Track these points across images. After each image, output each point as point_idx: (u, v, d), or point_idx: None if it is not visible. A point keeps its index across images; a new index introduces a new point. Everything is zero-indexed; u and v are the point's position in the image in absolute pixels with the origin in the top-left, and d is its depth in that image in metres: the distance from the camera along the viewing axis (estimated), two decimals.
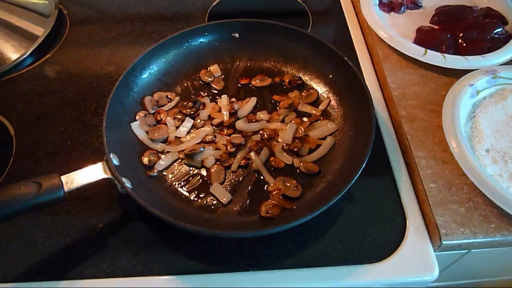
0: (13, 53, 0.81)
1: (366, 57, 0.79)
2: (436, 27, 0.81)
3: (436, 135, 0.65)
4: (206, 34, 0.74)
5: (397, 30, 0.80)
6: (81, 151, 0.66)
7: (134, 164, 0.62)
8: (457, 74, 0.71)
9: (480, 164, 0.60)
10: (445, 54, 0.72)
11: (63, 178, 0.53)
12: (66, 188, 0.52)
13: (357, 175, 0.55)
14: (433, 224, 0.57)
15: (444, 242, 0.55)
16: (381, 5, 0.84)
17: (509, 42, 0.74)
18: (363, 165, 0.56)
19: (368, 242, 0.57)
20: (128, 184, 0.55)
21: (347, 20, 0.86)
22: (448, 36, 0.77)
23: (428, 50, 0.73)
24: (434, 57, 0.72)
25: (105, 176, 0.54)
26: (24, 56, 0.80)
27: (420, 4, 0.85)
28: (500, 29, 0.77)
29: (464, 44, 0.76)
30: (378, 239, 0.57)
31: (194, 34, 0.73)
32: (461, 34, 0.77)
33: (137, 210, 0.59)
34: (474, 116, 0.67)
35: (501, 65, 0.72)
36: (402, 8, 0.84)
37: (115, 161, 0.57)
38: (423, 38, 0.77)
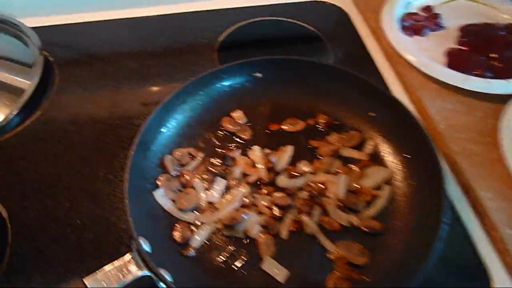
0: None
1: (397, 87, 0.72)
2: (465, 48, 0.75)
3: (497, 170, 0.59)
4: (224, 77, 0.65)
5: (425, 55, 0.74)
6: (96, 232, 0.55)
7: (165, 244, 0.51)
8: (502, 99, 0.65)
9: None
10: (489, 80, 0.66)
11: (87, 281, 0.42)
12: None
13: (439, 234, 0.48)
14: None
15: None
16: (404, 28, 0.78)
17: None
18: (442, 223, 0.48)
19: None
20: (167, 276, 0.45)
21: (368, 47, 0.79)
22: (482, 58, 0.71)
23: (469, 76, 0.67)
24: (478, 83, 0.66)
25: (140, 273, 0.44)
26: (10, 117, 0.67)
27: (442, 25, 0.80)
28: None
29: (501, 65, 0.71)
30: None
31: (211, 79, 0.64)
32: (495, 55, 0.72)
33: None
34: None
35: None
36: (425, 30, 0.78)
37: (147, 247, 0.47)
38: (456, 62, 0.71)
